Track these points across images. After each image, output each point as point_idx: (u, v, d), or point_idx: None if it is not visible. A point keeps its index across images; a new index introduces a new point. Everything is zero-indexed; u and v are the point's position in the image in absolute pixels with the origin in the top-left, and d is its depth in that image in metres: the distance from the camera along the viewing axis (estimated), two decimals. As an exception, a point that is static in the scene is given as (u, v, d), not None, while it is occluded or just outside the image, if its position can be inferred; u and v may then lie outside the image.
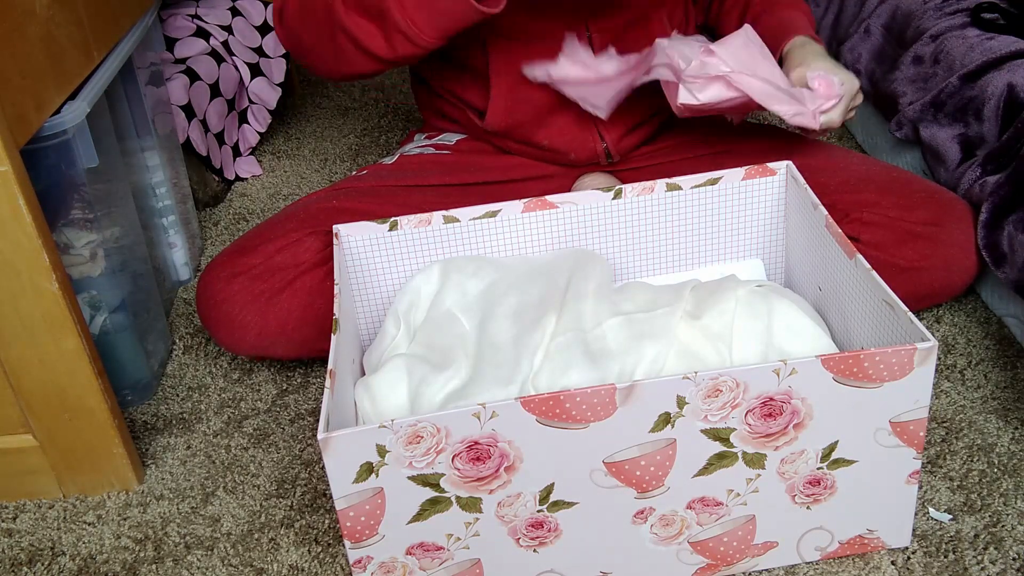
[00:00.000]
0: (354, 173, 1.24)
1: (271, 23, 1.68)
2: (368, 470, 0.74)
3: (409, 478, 0.75)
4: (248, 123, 1.63)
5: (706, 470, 0.78)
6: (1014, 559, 0.85)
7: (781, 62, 1.10)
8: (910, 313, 0.79)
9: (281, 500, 0.98)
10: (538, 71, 1.08)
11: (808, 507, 0.82)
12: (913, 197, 1.07)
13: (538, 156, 1.19)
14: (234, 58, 1.58)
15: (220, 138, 1.53)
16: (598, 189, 1.02)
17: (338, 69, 1.06)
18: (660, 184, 1.02)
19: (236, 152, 1.60)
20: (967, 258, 1.07)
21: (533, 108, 1.13)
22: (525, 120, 1.14)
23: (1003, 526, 0.88)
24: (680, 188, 1.02)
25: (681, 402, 0.75)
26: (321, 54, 1.05)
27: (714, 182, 1.02)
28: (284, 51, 1.68)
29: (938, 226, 1.06)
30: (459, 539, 0.80)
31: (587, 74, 1.06)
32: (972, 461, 0.94)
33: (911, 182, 1.09)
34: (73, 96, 0.97)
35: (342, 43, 1.01)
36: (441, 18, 0.96)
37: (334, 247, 0.98)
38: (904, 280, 1.05)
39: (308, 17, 1.04)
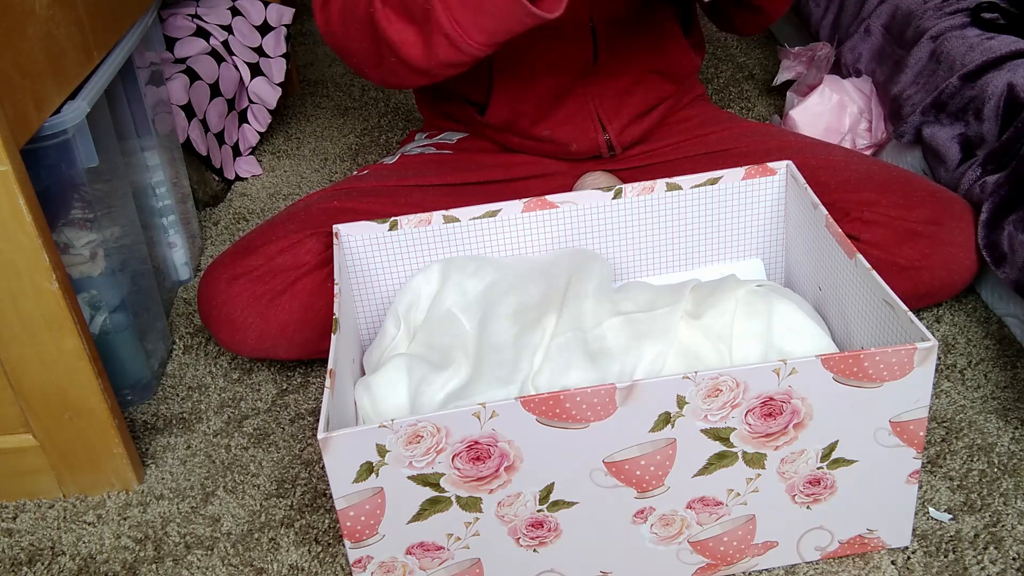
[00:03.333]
0: (355, 173, 1.24)
1: (271, 23, 1.68)
2: (368, 470, 0.74)
3: (409, 478, 0.75)
4: (248, 123, 1.63)
5: (706, 470, 0.78)
6: (1014, 559, 0.85)
7: None
8: (910, 313, 0.79)
9: (281, 500, 0.98)
10: None
11: (808, 507, 0.82)
12: (913, 196, 1.07)
13: (539, 151, 1.19)
14: (234, 58, 1.58)
15: (220, 138, 1.53)
16: (599, 189, 1.02)
17: (385, 80, 0.97)
18: (660, 184, 1.02)
19: (236, 152, 1.60)
20: (967, 257, 1.06)
21: (536, 99, 1.13)
22: (527, 112, 1.14)
23: (1003, 526, 0.88)
24: (680, 188, 1.02)
25: (681, 402, 0.75)
26: (367, 63, 0.96)
27: (714, 182, 1.02)
28: (284, 51, 1.68)
29: (938, 225, 1.05)
30: (459, 539, 0.79)
31: None
32: (972, 461, 0.94)
33: (911, 181, 1.09)
34: (73, 96, 0.97)
35: (383, 51, 0.92)
36: (490, 20, 0.86)
37: (334, 247, 0.98)
38: (904, 279, 1.05)
39: (351, 22, 0.93)
